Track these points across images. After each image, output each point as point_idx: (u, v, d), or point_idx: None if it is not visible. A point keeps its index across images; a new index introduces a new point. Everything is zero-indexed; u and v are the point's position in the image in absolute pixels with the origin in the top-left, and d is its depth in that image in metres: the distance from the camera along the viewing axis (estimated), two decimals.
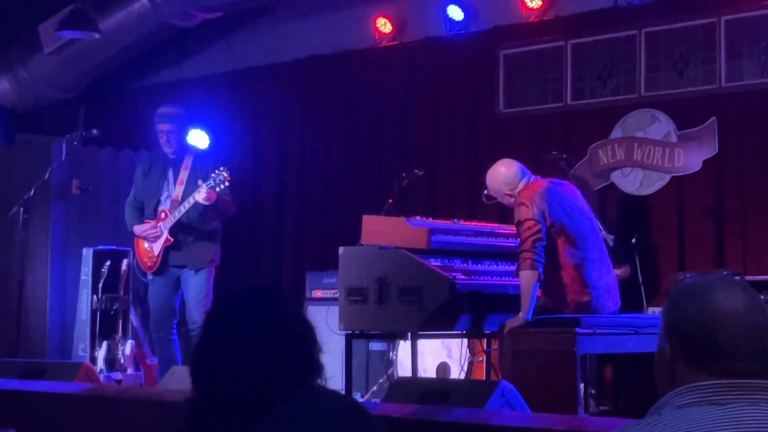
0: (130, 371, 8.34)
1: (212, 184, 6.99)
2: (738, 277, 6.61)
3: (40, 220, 9.20)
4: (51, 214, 9.46)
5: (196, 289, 7.29)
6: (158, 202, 7.40)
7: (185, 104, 7.91)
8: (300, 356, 2.37)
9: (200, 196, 7.01)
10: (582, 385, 5.75)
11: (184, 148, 7.46)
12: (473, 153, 8.93)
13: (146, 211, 7.46)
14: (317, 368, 2.39)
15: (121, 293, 8.70)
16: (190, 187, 7.20)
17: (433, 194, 9.07)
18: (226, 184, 7.00)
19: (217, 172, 6.99)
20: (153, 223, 7.37)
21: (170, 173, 7.41)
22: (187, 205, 7.17)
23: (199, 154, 7.47)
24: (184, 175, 7.35)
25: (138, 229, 7.43)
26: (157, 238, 7.34)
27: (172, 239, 7.29)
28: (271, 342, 2.33)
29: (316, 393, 2.36)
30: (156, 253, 7.37)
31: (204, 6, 9.63)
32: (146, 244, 7.44)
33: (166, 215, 7.32)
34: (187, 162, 7.36)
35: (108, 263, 8.68)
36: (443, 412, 3.99)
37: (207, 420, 2.32)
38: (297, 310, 2.46)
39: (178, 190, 7.32)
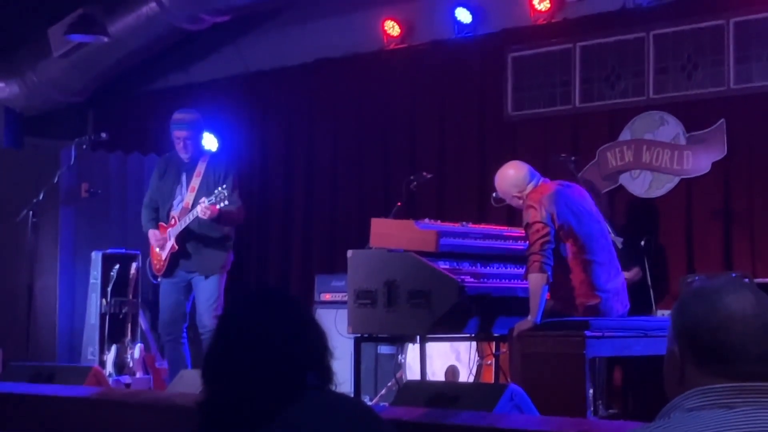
0: (139, 375, 8.35)
1: (213, 200, 6.99)
2: (747, 280, 6.60)
3: (49, 224, 9.21)
4: (60, 218, 9.49)
5: (207, 293, 7.28)
6: (171, 207, 7.41)
7: (194, 108, 7.90)
8: (311, 359, 2.37)
9: (200, 210, 7.01)
10: (591, 389, 5.74)
11: (200, 153, 7.47)
12: (482, 155, 8.92)
13: (161, 214, 7.47)
14: (328, 372, 2.39)
15: (130, 297, 8.73)
16: (201, 195, 7.20)
17: (441, 197, 9.05)
18: (226, 203, 6.99)
19: (219, 189, 6.99)
20: (164, 229, 7.38)
21: (184, 177, 7.41)
22: (192, 216, 7.18)
23: (211, 161, 7.44)
24: (195, 182, 7.34)
25: (151, 235, 7.45)
26: (165, 244, 7.35)
27: (177, 247, 7.29)
28: (283, 345, 2.33)
29: (326, 396, 2.36)
30: (163, 258, 7.38)
31: (213, 9, 9.63)
32: (157, 248, 7.46)
33: (176, 222, 7.33)
34: (200, 169, 7.35)
35: (117, 267, 8.70)
36: (452, 415, 3.99)
37: (218, 422, 2.33)
38: (309, 313, 2.47)
39: (188, 197, 7.31)
